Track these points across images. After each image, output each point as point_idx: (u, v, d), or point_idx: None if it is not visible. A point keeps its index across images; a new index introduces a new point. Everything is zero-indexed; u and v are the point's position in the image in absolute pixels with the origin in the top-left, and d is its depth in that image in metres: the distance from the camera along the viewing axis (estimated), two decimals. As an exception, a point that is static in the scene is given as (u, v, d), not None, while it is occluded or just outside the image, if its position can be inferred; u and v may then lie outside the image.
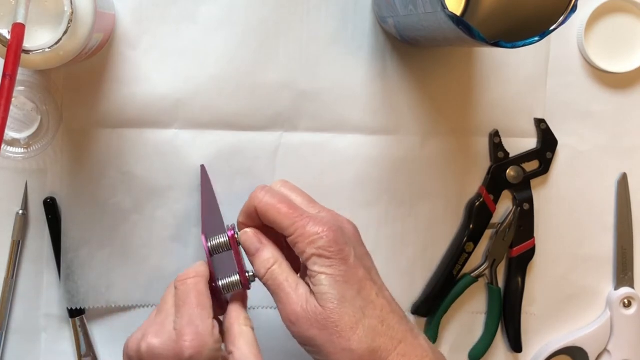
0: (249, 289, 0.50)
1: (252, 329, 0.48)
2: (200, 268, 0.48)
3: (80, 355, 0.59)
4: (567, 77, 0.62)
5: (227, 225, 0.50)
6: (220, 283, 0.49)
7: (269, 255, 0.48)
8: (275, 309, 0.48)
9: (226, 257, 0.50)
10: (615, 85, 0.62)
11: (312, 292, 0.46)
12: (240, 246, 0.49)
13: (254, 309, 0.60)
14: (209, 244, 0.49)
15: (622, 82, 0.62)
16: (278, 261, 0.48)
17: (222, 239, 0.49)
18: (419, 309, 0.62)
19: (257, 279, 0.49)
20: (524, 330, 0.63)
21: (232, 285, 0.49)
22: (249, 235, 0.49)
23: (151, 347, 0.45)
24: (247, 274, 0.49)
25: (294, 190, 0.50)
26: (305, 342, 0.46)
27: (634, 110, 0.63)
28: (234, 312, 0.49)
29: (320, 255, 0.45)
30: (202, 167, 0.58)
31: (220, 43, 0.58)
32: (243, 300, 0.50)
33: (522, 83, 0.61)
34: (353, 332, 0.44)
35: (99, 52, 0.57)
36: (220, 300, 0.50)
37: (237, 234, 0.49)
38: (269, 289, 0.48)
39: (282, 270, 0.47)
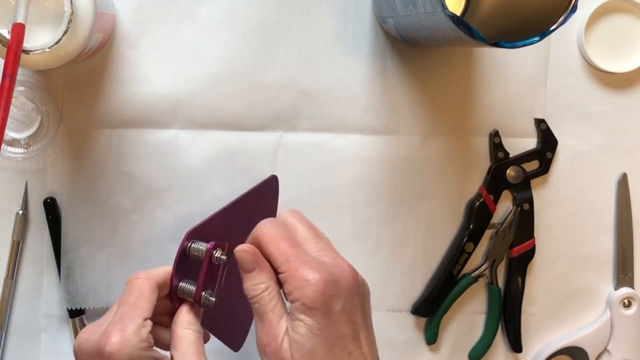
0: (201, 307, 0.48)
1: (198, 332, 0.47)
2: (155, 271, 0.47)
3: (80, 355, 0.59)
4: (567, 77, 0.62)
5: (224, 243, 0.48)
6: (179, 284, 0.48)
7: (261, 280, 0.47)
8: None
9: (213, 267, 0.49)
10: (615, 85, 0.62)
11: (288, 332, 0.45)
12: (216, 262, 0.47)
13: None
14: (189, 244, 0.48)
15: (622, 82, 0.62)
16: (269, 288, 0.46)
17: (202, 247, 0.47)
18: (419, 309, 0.62)
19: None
20: (524, 330, 0.63)
21: (187, 293, 0.48)
22: (247, 253, 0.47)
23: (79, 340, 0.45)
24: (202, 295, 0.47)
25: (302, 222, 0.48)
26: None
27: (634, 110, 0.63)
28: (180, 316, 0.48)
29: (304, 303, 0.44)
30: (274, 177, 0.57)
31: (220, 43, 0.58)
32: (194, 305, 0.48)
33: (522, 83, 0.61)
34: None
35: (99, 52, 0.57)
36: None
37: (216, 254, 0.47)
38: (253, 311, 0.47)
39: (270, 299, 0.46)
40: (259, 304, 0.46)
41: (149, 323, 0.44)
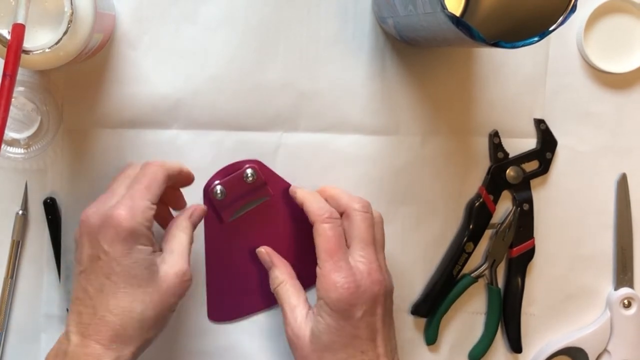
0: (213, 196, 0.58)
1: (190, 237, 0.53)
2: (169, 163, 0.52)
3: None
4: (567, 77, 0.62)
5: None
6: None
7: (276, 275, 0.56)
8: None
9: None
10: (615, 85, 0.62)
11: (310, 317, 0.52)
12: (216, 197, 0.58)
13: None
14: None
15: (621, 82, 0.62)
16: (283, 282, 0.55)
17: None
18: (418, 309, 0.62)
19: None
20: (524, 331, 0.63)
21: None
22: (262, 254, 0.58)
23: (87, 213, 0.49)
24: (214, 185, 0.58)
25: (364, 223, 0.53)
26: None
27: (633, 110, 0.63)
28: (178, 219, 0.53)
29: (327, 304, 0.50)
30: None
31: (220, 43, 0.58)
32: (193, 214, 0.54)
33: (522, 83, 0.61)
34: None
35: (99, 52, 0.57)
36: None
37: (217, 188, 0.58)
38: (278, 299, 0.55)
39: (284, 291, 0.55)
40: (277, 295, 0.56)
41: (154, 207, 0.49)
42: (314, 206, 0.54)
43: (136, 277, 0.48)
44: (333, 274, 0.50)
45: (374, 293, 0.51)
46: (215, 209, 0.58)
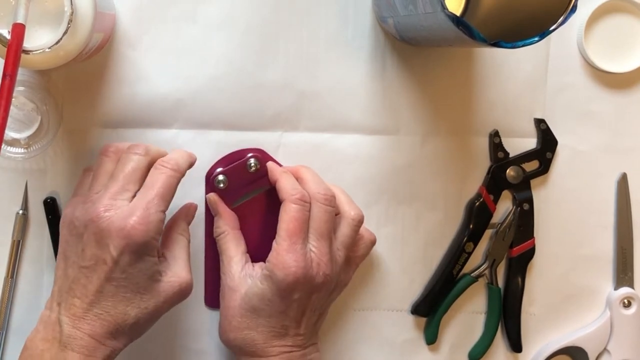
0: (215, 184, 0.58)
1: (188, 240, 0.54)
2: (183, 165, 0.52)
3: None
4: (567, 77, 0.62)
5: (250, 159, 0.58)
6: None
7: (219, 225, 0.57)
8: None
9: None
10: (615, 85, 0.62)
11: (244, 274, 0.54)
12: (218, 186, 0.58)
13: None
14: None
15: (621, 82, 0.62)
16: (225, 232, 0.56)
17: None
18: (418, 309, 0.62)
19: None
20: (524, 330, 0.63)
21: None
22: (210, 200, 0.58)
23: (100, 217, 0.48)
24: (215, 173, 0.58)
25: (324, 215, 0.54)
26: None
27: (634, 110, 0.63)
28: (177, 221, 0.54)
29: (270, 277, 0.52)
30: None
31: (220, 43, 0.58)
32: (187, 214, 0.55)
33: (522, 83, 0.61)
34: (236, 330, 0.53)
35: (99, 52, 0.57)
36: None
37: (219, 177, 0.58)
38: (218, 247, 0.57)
39: (224, 242, 0.56)
40: (218, 243, 0.57)
41: (165, 216, 0.50)
42: (288, 185, 0.54)
43: (137, 285, 0.48)
44: (286, 255, 0.51)
45: (316, 283, 0.52)
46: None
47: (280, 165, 0.59)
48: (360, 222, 0.56)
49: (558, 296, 0.64)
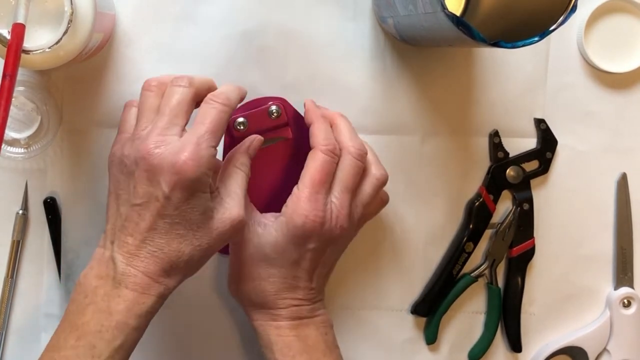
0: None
1: (247, 174, 0.52)
2: (234, 101, 0.50)
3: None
4: (567, 77, 0.62)
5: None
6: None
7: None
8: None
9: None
10: (615, 85, 0.62)
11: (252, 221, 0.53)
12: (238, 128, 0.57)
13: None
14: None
15: (622, 82, 0.62)
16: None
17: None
18: (418, 309, 0.62)
19: None
20: (524, 330, 0.63)
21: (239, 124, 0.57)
22: (248, 138, 0.54)
23: (151, 154, 0.46)
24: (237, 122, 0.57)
25: (353, 167, 0.53)
26: None
27: (634, 110, 0.63)
28: (236, 155, 0.52)
29: (286, 224, 0.51)
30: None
31: (221, 43, 0.58)
32: (250, 148, 0.53)
33: (522, 83, 0.61)
34: (246, 280, 0.53)
35: (99, 52, 0.57)
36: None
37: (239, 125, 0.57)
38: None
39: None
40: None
41: (216, 151, 0.49)
42: (321, 133, 0.53)
43: (190, 222, 0.47)
44: (306, 202, 0.51)
45: (333, 235, 0.52)
46: (234, 141, 0.57)
47: (303, 118, 0.57)
48: (383, 183, 0.55)
49: (558, 296, 0.64)
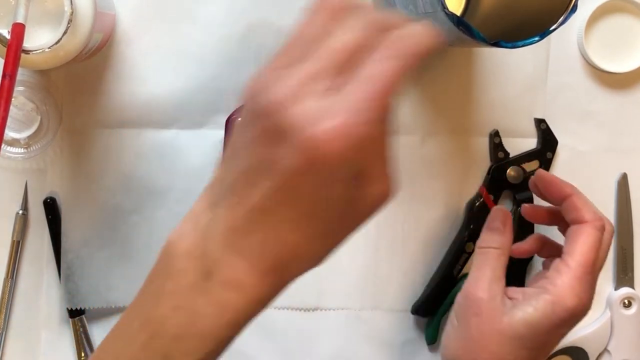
0: None
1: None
2: (419, 48, 0.33)
3: (80, 356, 0.59)
4: (567, 77, 0.62)
5: None
6: None
7: (497, 239, 0.53)
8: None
9: None
10: (615, 85, 0.62)
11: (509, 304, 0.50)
12: None
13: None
14: None
15: (622, 82, 0.62)
16: (500, 250, 0.52)
17: None
18: (419, 309, 0.62)
19: None
20: (524, 330, 0.63)
21: None
22: (498, 212, 0.55)
23: (280, 108, 0.32)
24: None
25: None
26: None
27: (634, 110, 0.63)
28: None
29: (552, 304, 0.48)
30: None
31: (221, 43, 0.58)
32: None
33: (522, 83, 0.61)
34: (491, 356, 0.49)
35: (99, 52, 0.57)
36: None
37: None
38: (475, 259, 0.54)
39: (495, 260, 0.51)
40: (482, 254, 0.53)
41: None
42: (592, 208, 0.52)
43: (332, 211, 0.37)
44: (581, 284, 0.48)
45: (578, 320, 0.50)
46: None
47: None
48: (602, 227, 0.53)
49: (558, 296, 0.63)
